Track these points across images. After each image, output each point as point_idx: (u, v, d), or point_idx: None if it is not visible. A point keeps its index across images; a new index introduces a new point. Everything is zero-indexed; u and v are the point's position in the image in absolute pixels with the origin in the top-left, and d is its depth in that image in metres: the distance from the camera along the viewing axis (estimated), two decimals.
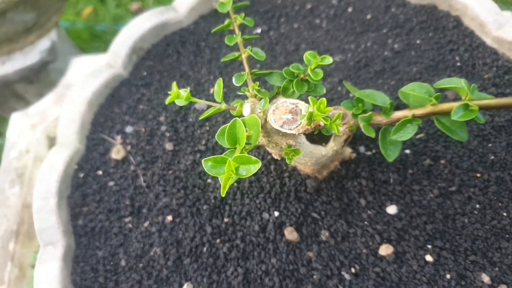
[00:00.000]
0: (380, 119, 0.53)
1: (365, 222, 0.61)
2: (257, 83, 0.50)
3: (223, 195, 0.38)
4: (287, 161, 0.51)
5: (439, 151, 0.64)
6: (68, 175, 0.67)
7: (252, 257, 0.60)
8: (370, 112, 0.53)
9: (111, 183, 0.67)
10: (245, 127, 0.43)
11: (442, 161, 0.63)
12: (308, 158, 0.56)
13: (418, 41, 0.74)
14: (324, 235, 0.61)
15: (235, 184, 0.64)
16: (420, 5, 0.78)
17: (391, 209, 0.61)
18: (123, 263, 0.62)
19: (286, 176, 0.64)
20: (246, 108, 0.49)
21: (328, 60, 0.49)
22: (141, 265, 0.61)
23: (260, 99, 0.49)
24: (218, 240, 0.61)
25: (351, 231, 0.61)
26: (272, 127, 0.47)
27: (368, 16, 0.79)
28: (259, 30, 0.81)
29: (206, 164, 0.40)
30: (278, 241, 0.61)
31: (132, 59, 0.75)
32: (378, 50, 0.74)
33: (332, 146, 0.56)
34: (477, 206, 0.60)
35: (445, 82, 0.50)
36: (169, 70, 0.75)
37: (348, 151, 0.64)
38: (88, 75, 0.71)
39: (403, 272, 0.58)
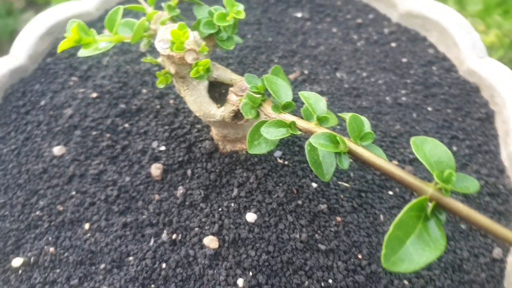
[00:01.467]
0: (267, 109, 0.49)
1: (220, 209, 0.57)
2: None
3: None
4: (158, 83, 0.51)
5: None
6: None
7: (117, 163, 0.62)
8: (260, 96, 0.49)
9: None
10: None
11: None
12: (196, 108, 0.54)
13: (429, 108, 0.64)
14: (180, 191, 0.59)
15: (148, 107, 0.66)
16: (464, 80, 0.67)
17: (250, 216, 0.56)
18: None
19: (197, 128, 0.63)
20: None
21: (241, 14, 0.47)
22: None
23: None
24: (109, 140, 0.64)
25: (202, 205, 0.58)
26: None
27: (404, 60, 0.70)
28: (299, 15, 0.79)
29: None
30: (144, 168, 0.61)
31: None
32: (383, 92, 0.66)
33: (222, 110, 0.54)
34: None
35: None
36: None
37: None
38: None
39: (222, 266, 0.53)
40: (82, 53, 0.47)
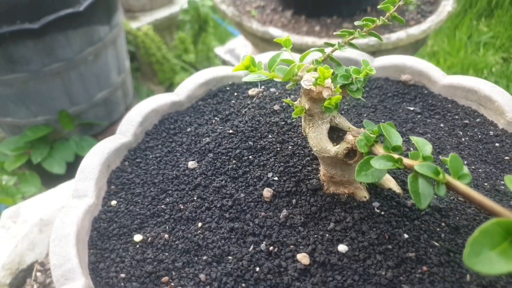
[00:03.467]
0: (378, 149, 0.58)
1: (315, 236, 0.64)
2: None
3: None
4: (293, 114, 0.64)
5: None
6: None
7: (236, 182, 0.74)
8: (374, 137, 0.59)
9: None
10: None
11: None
12: (315, 143, 0.65)
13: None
14: (283, 213, 0.68)
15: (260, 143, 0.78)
16: None
17: (341, 247, 0.62)
18: None
19: (308, 169, 0.73)
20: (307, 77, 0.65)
21: (373, 71, 0.60)
22: None
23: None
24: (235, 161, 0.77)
25: (300, 229, 0.65)
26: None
27: (506, 158, 0.75)
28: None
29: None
30: (257, 189, 0.71)
31: None
32: (482, 179, 0.71)
33: (337, 147, 0.64)
34: None
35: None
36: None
37: (362, 193, 0.68)
38: None
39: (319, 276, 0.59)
40: (248, 78, 0.63)
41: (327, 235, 0.64)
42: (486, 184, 0.71)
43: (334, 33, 0.72)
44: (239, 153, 0.78)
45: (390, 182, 0.71)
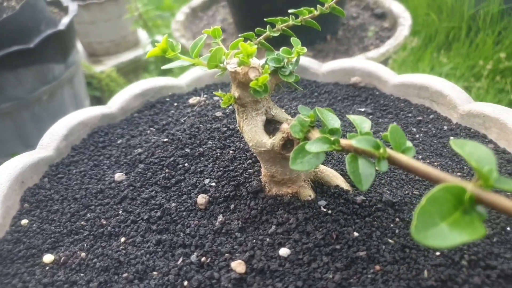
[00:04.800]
0: (315, 134, 0.52)
1: (254, 241, 0.55)
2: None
3: None
4: (222, 104, 0.57)
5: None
6: None
7: (168, 192, 0.65)
8: (309, 121, 0.52)
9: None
10: None
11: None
12: (250, 136, 0.58)
13: None
14: (219, 219, 0.59)
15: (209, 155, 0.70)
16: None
17: (283, 251, 0.53)
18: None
19: (249, 172, 0.65)
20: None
21: (304, 50, 0.54)
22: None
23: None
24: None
25: (237, 234, 0.57)
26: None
27: None
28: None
29: None
30: (191, 198, 0.63)
31: None
32: None
33: (272, 139, 0.57)
34: None
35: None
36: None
37: (307, 192, 0.60)
38: None
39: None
40: (168, 66, 0.56)
41: (267, 239, 0.56)
42: None
43: (265, 19, 0.66)
44: (173, 161, 0.69)
45: (337, 179, 0.63)
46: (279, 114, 0.61)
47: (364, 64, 0.90)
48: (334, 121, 0.52)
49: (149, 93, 0.86)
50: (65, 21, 1.82)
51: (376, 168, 0.44)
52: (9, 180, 0.65)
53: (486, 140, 0.71)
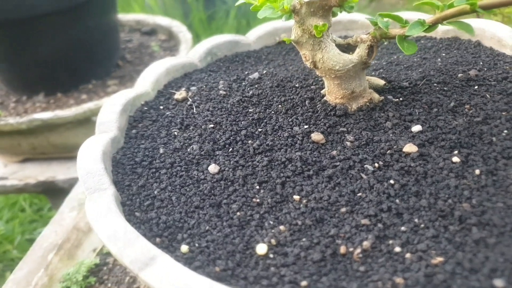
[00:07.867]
0: (397, 30, 0.64)
1: (390, 135, 0.64)
2: None
3: None
4: (316, 34, 0.62)
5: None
6: (134, 106, 0.79)
7: (278, 150, 0.64)
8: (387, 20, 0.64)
9: (168, 112, 0.77)
10: None
11: (467, 106, 0.68)
12: (336, 61, 0.65)
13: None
14: (349, 140, 0.64)
15: (273, 108, 0.72)
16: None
17: (416, 128, 0.64)
18: (161, 151, 0.68)
19: (318, 105, 0.71)
20: None
21: None
22: (176, 153, 0.67)
23: None
24: (250, 141, 0.67)
25: (376, 138, 0.64)
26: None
27: None
28: None
29: None
30: (305, 142, 0.65)
31: (207, 58, 0.95)
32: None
33: (358, 51, 0.66)
34: (505, 131, 0.62)
35: None
36: (234, 66, 0.93)
37: (376, 96, 0.72)
38: (171, 58, 0.90)
39: (428, 167, 0.58)
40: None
41: (401, 128, 0.65)
42: None
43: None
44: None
45: (379, 81, 0.77)
46: (336, 39, 0.69)
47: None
48: (402, 16, 0.66)
49: (127, 107, 0.77)
50: None
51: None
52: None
53: None
